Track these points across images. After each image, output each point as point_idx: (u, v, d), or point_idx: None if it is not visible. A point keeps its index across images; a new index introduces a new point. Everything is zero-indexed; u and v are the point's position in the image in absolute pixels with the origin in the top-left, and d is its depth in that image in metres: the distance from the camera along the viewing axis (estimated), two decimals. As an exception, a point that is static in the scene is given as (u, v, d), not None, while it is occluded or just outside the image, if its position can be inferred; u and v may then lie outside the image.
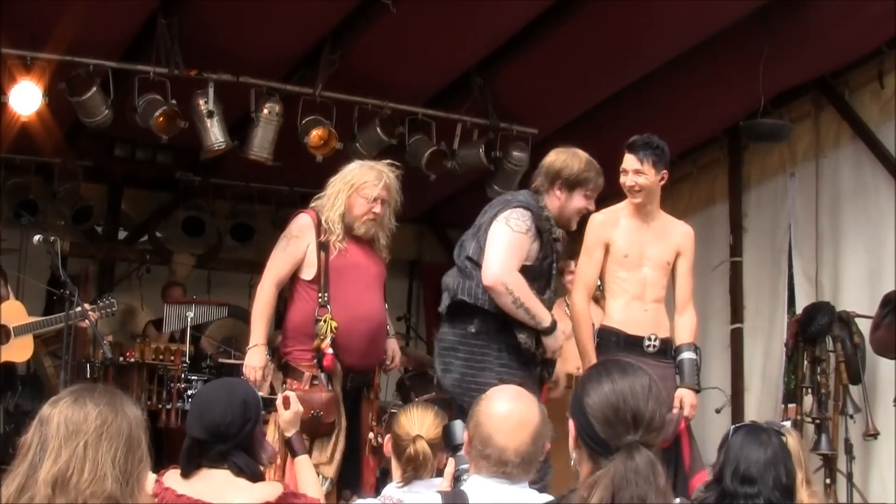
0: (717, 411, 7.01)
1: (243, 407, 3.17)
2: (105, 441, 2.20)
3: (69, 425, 2.20)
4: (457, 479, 2.92)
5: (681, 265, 5.06)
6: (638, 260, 4.94)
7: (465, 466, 2.90)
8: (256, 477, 3.15)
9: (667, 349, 4.94)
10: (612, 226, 4.98)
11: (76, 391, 2.30)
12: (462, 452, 2.87)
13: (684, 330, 5.03)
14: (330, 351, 4.80)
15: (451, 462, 3.00)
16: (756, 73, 6.65)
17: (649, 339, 4.89)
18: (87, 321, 5.95)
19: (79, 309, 5.99)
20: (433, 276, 10.34)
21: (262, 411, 3.30)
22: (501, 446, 2.68)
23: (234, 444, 3.11)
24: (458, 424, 3.05)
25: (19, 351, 5.94)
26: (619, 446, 2.23)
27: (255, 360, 4.86)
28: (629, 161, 4.91)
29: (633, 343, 4.87)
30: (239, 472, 3.09)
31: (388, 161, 5.16)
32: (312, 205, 5.03)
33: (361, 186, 4.90)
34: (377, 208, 4.92)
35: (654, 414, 2.28)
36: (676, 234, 5.08)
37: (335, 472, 4.83)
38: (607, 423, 2.27)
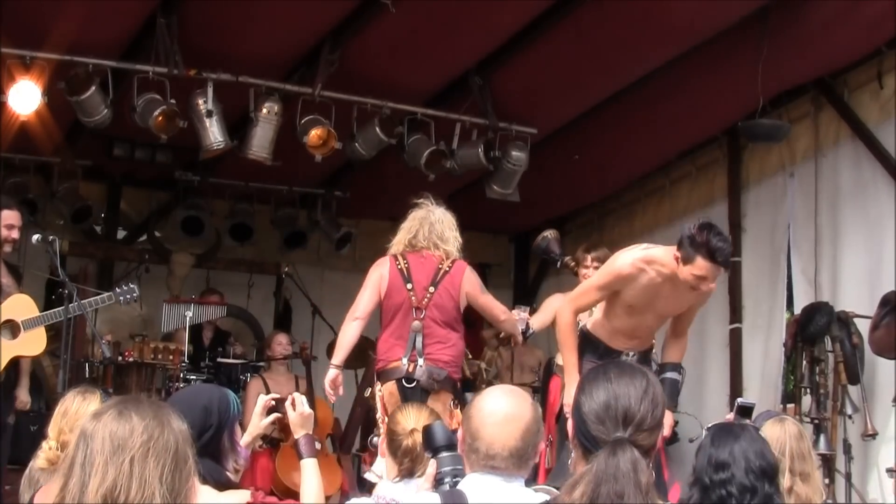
0: (691, 441, 6.93)
1: (204, 413, 3.13)
2: (152, 457, 2.10)
3: (114, 440, 2.10)
4: (439, 481, 2.90)
5: (693, 308, 5.09)
6: (643, 309, 4.98)
7: (446, 469, 2.89)
8: (222, 485, 3.10)
9: (647, 359, 5.02)
10: (631, 281, 4.89)
11: (120, 404, 2.18)
12: (458, 452, 2.86)
13: (674, 350, 5.13)
14: None
15: (432, 463, 2.98)
16: (755, 73, 6.65)
17: (626, 354, 5.04)
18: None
19: (102, 296, 5.96)
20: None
21: (231, 417, 3.23)
22: (488, 440, 2.70)
23: (196, 450, 3.08)
24: (438, 426, 3.04)
25: (30, 345, 5.77)
26: (608, 443, 2.26)
27: None
28: (711, 271, 4.62)
29: (611, 353, 5.00)
30: (203, 480, 3.02)
31: None
32: None
33: None
34: None
35: (646, 414, 2.30)
36: (697, 294, 4.88)
37: None
38: (599, 419, 2.31)
